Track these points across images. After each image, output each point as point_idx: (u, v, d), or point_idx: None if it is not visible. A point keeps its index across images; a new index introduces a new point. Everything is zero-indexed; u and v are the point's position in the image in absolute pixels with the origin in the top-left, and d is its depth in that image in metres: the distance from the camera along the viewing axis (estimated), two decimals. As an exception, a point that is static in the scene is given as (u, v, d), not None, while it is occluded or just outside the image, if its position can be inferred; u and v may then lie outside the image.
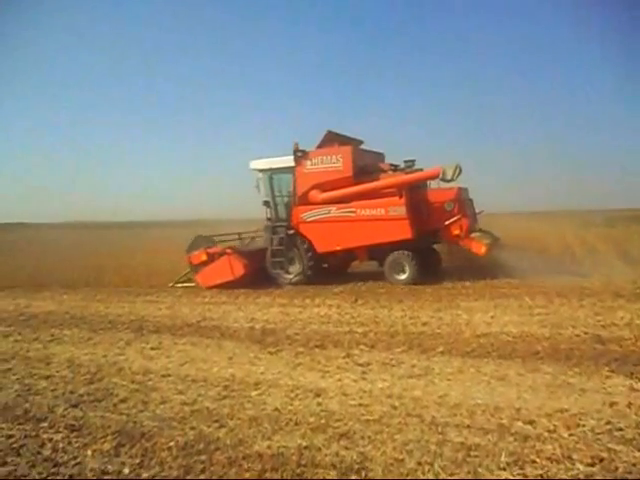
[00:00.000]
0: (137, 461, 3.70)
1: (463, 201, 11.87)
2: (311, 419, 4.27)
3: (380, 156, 13.70)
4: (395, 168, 12.66)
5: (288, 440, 3.90)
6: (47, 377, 5.91)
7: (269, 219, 13.16)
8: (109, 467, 3.63)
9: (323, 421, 4.22)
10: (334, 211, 12.00)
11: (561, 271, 11.14)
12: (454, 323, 7.59)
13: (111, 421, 4.46)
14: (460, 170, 11.20)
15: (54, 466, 3.70)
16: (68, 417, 4.61)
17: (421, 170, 12.19)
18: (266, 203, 13.06)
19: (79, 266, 16.66)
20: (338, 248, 12.20)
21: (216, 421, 4.33)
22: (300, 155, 12.22)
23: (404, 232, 11.31)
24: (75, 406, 4.89)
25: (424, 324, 7.65)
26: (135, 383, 5.50)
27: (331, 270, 13.07)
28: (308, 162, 12.21)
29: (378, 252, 12.14)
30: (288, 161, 12.44)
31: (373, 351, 6.35)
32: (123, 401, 4.96)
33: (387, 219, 11.46)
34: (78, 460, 3.77)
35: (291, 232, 12.51)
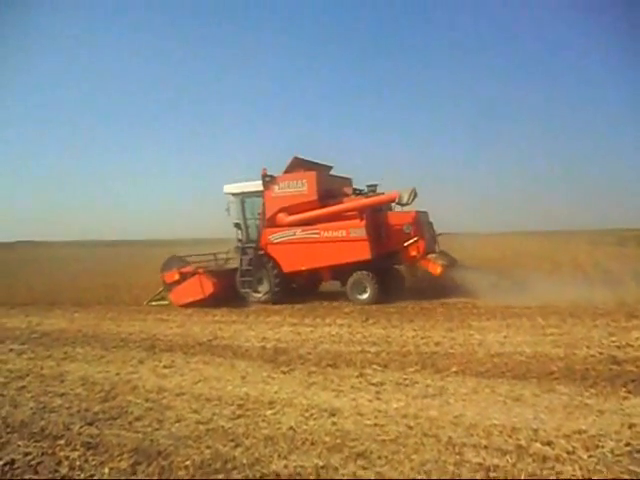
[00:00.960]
0: (154, 478, 3.70)
1: (421, 224, 12.45)
2: (327, 438, 4.26)
3: (346, 180, 14.35)
4: (359, 192, 13.23)
5: (304, 460, 3.89)
6: (62, 395, 5.93)
7: (240, 240, 13.82)
8: (125, 486, 3.64)
9: (339, 441, 4.21)
10: (299, 233, 12.60)
11: (572, 290, 11.11)
12: (467, 343, 7.56)
13: (127, 439, 4.47)
14: (415, 194, 11.81)
15: (71, 484, 3.71)
16: (84, 435, 4.63)
17: (381, 194, 12.76)
18: (237, 225, 13.79)
19: (89, 284, 16.77)
20: (303, 268, 12.76)
21: (232, 440, 4.33)
22: (268, 180, 12.89)
23: (364, 253, 11.86)
24: (91, 424, 4.90)
25: (437, 344, 7.62)
26: (149, 401, 5.51)
27: (299, 290, 13.50)
28: (276, 186, 12.86)
29: (341, 273, 12.66)
30: (258, 185, 13.07)
31: (386, 371, 6.33)
32: (138, 419, 4.97)
33: (348, 240, 12.03)
34: (95, 478, 3.78)
35: (260, 253, 13.10)
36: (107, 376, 6.68)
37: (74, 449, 4.32)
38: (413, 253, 12.09)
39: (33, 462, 4.11)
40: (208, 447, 4.21)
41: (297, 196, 12.61)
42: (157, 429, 4.70)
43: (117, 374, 6.74)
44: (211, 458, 3.98)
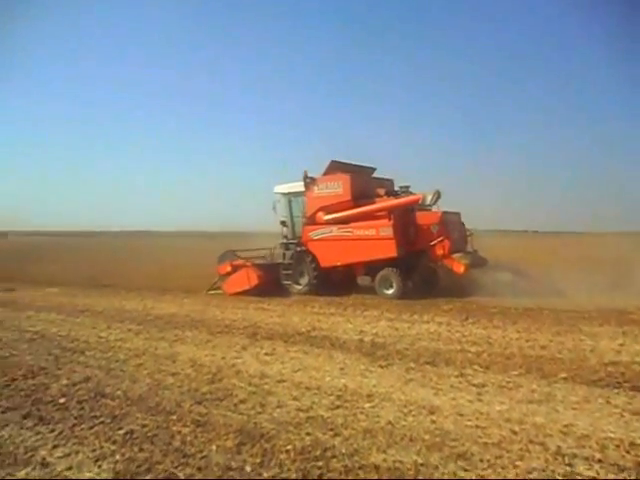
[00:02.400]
0: (258, 460, 3.87)
1: (447, 224, 13.08)
2: (426, 436, 4.21)
3: (387, 182, 15.08)
4: (396, 193, 14.11)
5: (403, 455, 3.87)
6: (173, 374, 6.36)
7: (285, 237, 15.14)
8: (232, 463, 3.83)
9: (438, 439, 4.14)
10: (335, 231, 13.70)
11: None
12: (577, 349, 7.11)
13: (232, 420, 4.71)
14: (439, 196, 12.92)
15: (183, 457, 3.97)
16: (194, 412, 4.94)
17: (411, 194, 13.76)
18: (283, 222, 15.14)
19: (196, 273, 17.79)
20: (338, 263, 13.83)
21: (331, 429, 4.41)
22: (309, 181, 14.14)
23: (391, 250, 12.70)
24: (199, 403, 5.22)
25: (543, 347, 7.24)
26: (252, 386, 5.76)
27: (336, 284, 14.26)
28: (315, 187, 14.10)
29: (372, 268, 13.55)
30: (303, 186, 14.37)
31: (488, 372, 6.12)
32: (242, 402, 5.22)
33: (377, 238, 12.93)
34: (204, 454, 4.02)
35: (300, 249, 14.38)
36: (213, 359, 7.06)
37: (185, 425, 4.63)
38: (439, 252, 12.71)
39: (150, 434, 4.45)
40: (308, 434, 4.32)
41: (333, 196, 13.72)
42: (260, 413, 4.90)
43: (222, 358, 7.11)
44: (311, 445, 4.09)
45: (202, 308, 12.25)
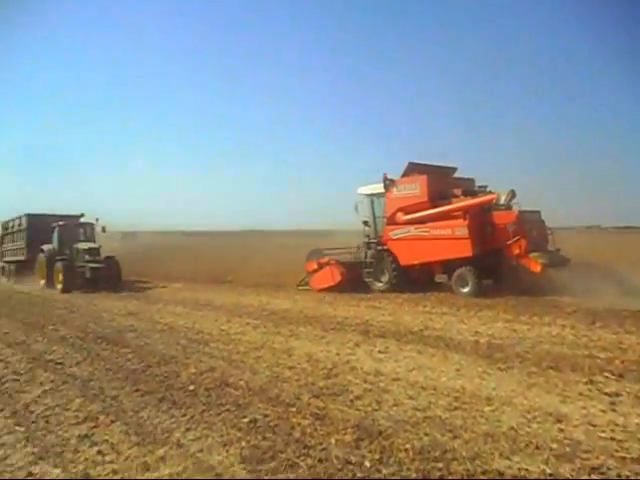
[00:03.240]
0: (376, 457, 3.89)
1: (524, 223, 12.90)
2: (553, 445, 3.97)
3: (466, 181, 15.12)
4: (473, 193, 14.12)
5: (529, 463, 3.69)
6: (290, 367, 6.60)
7: (367, 236, 15.69)
8: (352, 458, 3.89)
9: (568, 449, 3.89)
10: (413, 230, 14.06)
11: None
12: None
13: (350, 415, 4.79)
14: (513, 196, 13.22)
15: (304, 447, 4.11)
16: (312, 406, 5.08)
17: (491, 193, 13.85)
18: (365, 222, 15.73)
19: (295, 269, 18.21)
20: (416, 262, 14.16)
21: (450, 431, 4.32)
22: (388, 183, 14.66)
23: (466, 250, 12.84)
24: (317, 397, 5.36)
25: (687, 357, 6.52)
26: (367, 383, 5.80)
27: (415, 282, 14.47)
28: (394, 189, 14.62)
29: (449, 267, 13.69)
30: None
31: (622, 381, 5.63)
32: (358, 398, 5.28)
33: (453, 238, 13.11)
34: (324, 446, 4.13)
35: (381, 248, 14.91)
36: (328, 355, 7.22)
37: (304, 417, 4.78)
38: (515, 251, 12.55)
39: (271, 424, 4.65)
40: (426, 434, 4.27)
41: (411, 197, 14.18)
42: (376, 410, 4.93)
43: (337, 354, 7.24)
44: (430, 445, 4.03)
45: (315, 305, 12.57)
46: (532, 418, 4.57)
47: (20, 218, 23.26)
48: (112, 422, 4.85)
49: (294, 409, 5.01)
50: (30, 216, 22.44)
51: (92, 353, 7.80)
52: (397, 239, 14.48)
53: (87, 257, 18.26)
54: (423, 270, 14.53)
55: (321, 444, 4.17)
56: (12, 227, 24.39)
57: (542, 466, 3.63)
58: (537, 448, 3.94)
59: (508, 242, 12.62)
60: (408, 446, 4.03)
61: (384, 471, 3.67)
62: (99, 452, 4.19)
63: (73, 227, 20.57)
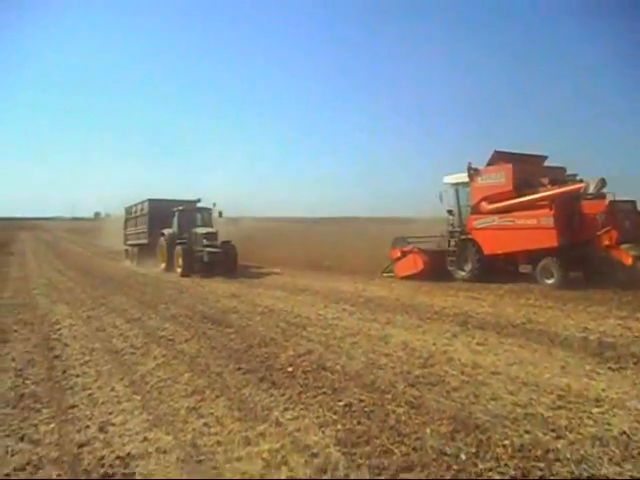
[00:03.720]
0: (473, 450, 3.82)
1: (616, 213, 12.37)
2: (673, 455, 3.66)
3: (556, 170, 14.67)
4: (562, 182, 13.69)
5: (643, 471, 3.44)
6: (386, 355, 6.62)
7: (451, 225, 15.68)
8: (447, 449, 3.85)
9: (690, 461, 3.57)
10: (497, 220, 13.89)
11: None
12: None
13: (446, 406, 4.73)
14: (603, 184, 12.45)
15: (399, 435, 4.13)
16: (407, 394, 5.08)
17: (580, 182, 13.30)
18: (450, 212, 15.72)
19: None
20: (500, 252, 13.95)
21: (552, 430, 4.13)
22: (473, 172, 14.56)
23: (552, 240, 12.52)
24: (412, 385, 5.35)
25: None
26: (465, 375, 5.68)
27: (498, 271, 14.30)
28: (479, 178, 14.51)
29: (533, 257, 13.30)
30: None
31: None
32: (455, 390, 5.19)
33: (538, 228, 12.81)
34: (419, 435, 4.12)
35: (465, 237, 14.88)
36: (424, 345, 7.14)
37: (399, 405, 4.79)
38: (606, 242, 12.14)
39: (367, 409, 4.72)
40: (527, 432, 4.11)
41: (496, 186, 14.02)
42: (473, 403, 4.82)
43: (433, 344, 7.14)
44: (531, 444, 3.88)
45: (411, 293, 12.47)
46: (647, 423, 4.24)
47: (142, 203, 23.86)
48: (217, 397, 5.18)
49: (389, 396, 5.03)
50: (152, 201, 22.83)
51: (199, 331, 8.32)
52: (481, 228, 14.40)
53: (205, 241, 18.42)
54: (507, 260, 14.30)
55: (416, 433, 4.17)
56: (135, 212, 25.11)
57: (657, 476, 3.37)
58: (652, 456, 3.66)
59: (598, 233, 12.23)
60: (507, 442, 3.92)
61: (480, 466, 3.60)
62: (205, 424, 4.50)
63: (192, 212, 20.90)
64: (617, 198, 12.76)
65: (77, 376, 6.01)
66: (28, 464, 3.84)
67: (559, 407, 4.66)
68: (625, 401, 4.77)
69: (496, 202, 14.02)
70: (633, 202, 13.20)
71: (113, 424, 4.56)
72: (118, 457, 3.90)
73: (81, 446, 4.11)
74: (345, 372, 5.87)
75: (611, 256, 12.21)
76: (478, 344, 7.11)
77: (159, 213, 21.48)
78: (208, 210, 21.13)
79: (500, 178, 13.97)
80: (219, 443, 4.10)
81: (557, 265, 12.63)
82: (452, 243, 15.36)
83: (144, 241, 22.75)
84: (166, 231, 20.21)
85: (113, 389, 5.52)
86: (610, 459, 3.63)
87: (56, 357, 6.92)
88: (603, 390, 5.09)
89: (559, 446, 3.84)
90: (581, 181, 13.39)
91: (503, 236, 13.66)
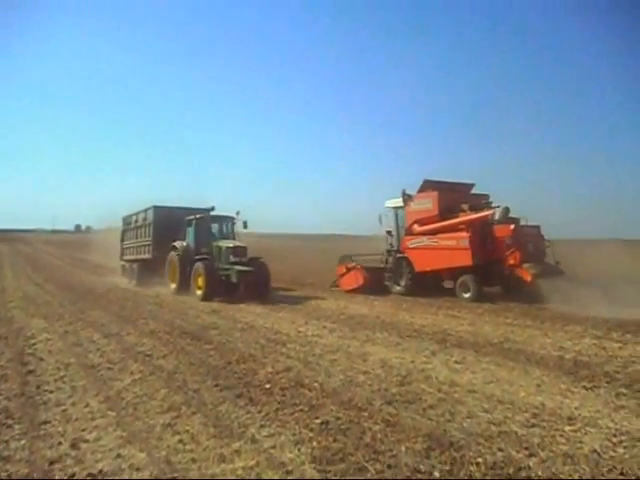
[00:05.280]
0: (447, 468, 3.85)
1: (520, 236, 14.30)
2: (640, 473, 3.73)
3: (481, 197, 16.53)
4: (479, 208, 15.38)
5: (612, 489, 3.49)
6: (364, 372, 6.63)
7: (390, 244, 17.51)
8: (421, 467, 3.88)
9: (659, 479, 3.64)
10: (426, 240, 15.69)
11: None
12: None
13: (421, 424, 4.75)
14: (507, 212, 14.45)
15: (374, 452, 4.14)
16: (384, 412, 5.09)
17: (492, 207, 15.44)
18: (389, 232, 17.60)
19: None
20: (428, 269, 15.68)
21: (526, 448, 4.18)
22: (406, 197, 16.59)
23: (467, 259, 14.33)
24: (389, 403, 5.37)
25: None
26: (441, 392, 5.72)
27: (427, 286, 16.01)
28: (412, 203, 16.50)
29: (455, 274, 15.16)
30: None
31: None
32: (431, 407, 5.22)
33: (457, 248, 14.63)
34: (394, 452, 4.13)
35: (400, 255, 16.65)
36: (402, 362, 7.18)
37: (375, 423, 4.80)
38: (511, 261, 13.95)
39: (343, 427, 4.72)
40: (500, 450, 4.16)
41: (425, 211, 15.96)
42: (449, 420, 4.86)
43: (412, 362, 7.18)
44: (503, 461, 3.92)
45: (392, 311, 12.53)
46: (618, 442, 4.31)
47: (145, 211, 19.94)
48: (193, 414, 5.13)
49: (366, 414, 5.04)
50: (157, 208, 19.07)
51: (177, 347, 8.25)
52: (413, 248, 16.13)
53: (232, 258, 15.28)
54: (434, 276, 16.05)
55: (391, 450, 4.19)
56: (135, 222, 21.13)
57: (626, 493, 3.43)
58: (622, 474, 3.73)
59: (506, 253, 14.03)
60: (480, 460, 3.95)
61: (452, 483, 3.63)
62: (180, 441, 4.45)
63: (212, 221, 17.44)
64: (529, 223, 15.09)
65: (51, 392, 5.90)
66: (-3, 481, 3.76)
67: (533, 425, 4.72)
68: (597, 419, 4.85)
69: (425, 225, 15.91)
70: (537, 227, 15.35)
71: (86, 440, 4.49)
72: (90, 474, 3.84)
73: (52, 463, 4.04)
74: (323, 389, 5.86)
75: (515, 274, 14.01)
76: (456, 362, 7.17)
77: (165, 223, 18.31)
78: (231, 219, 17.65)
79: (428, 204, 15.92)
80: (194, 460, 4.06)
81: (473, 281, 14.45)
82: (390, 261, 17.10)
83: (146, 256, 19.36)
84: (178, 244, 16.98)
85: (87, 405, 5.44)
86: (580, 476, 3.69)
87: (30, 372, 6.79)
88: (576, 408, 5.17)
89: (531, 464, 3.89)
90: (492, 207, 15.42)
91: (430, 255, 15.47)
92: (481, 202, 16.08)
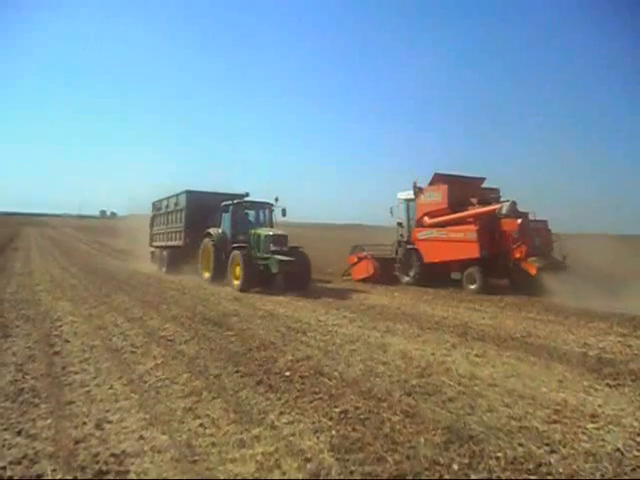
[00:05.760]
0: (466, 461, 3.83)
1: (527, 230, 14.54)
2: (664, 473, 3.67)
3: (490, 191, 16.77)
4: (488, 202, 15.60)
5: (634, 488, 3.44)
6: (384, 363, 6.63)
7: (401, 235, 17.97)
8: (440, 459, 3.86)
9: (682, 479, 3.57)
10: (435, 233, 16.10)
11: None
12: None
13: (441, 416, 4.74)
14: (514, 206, 14.56)
15: (392, 443, 4.14)
16: (403, 403, 5.09)
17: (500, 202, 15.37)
18: (399, 224, 18.09)
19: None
20: (437, 260, 16.01)
21: (546, 444, 4.13)
22: (417, 190, 16.92)
23: (474, 252, 14.68)
24: (409, 394, 5.36)
25: None
26: (461, 385, 5.69)
27: (436, 278, 16.18)
28: (422, 195, 16.87)
29: (462, 266, 15.38)
30: None
31: None
32: (451, 400, 5.20)
33: (464, 241, 14.98)
34: (412, 444, 4.13)
35: (410, 246, 17.07)
36: (423, 354, 7.16)
37: (395, 413, 4.80)
38: (517, 255, 14.21)
39: (362, 416, 4.73)
40: (520, 445, 4.12)
41: (435, 204, 16.31)
42: (469, 414, 4.83)
43: (432, 354, 7.16)
44: (524, 457, 3.89)
45: (413, 303, 12.51)
46: (643, 441, 4.24)
47: (177, 196, 19.23)
48: (214, 399, 5.20)
49: (385, 404, 5.05)
50: (190, 193, 18.35)
51: (199, 333, 8.35)
52: (423, 239, 16.55)
53: (272, 247, 14.40)
54: (442, 268, 16.16)
55: (410, 441, 4.18)
56: (166, 207, 20.45)
57: (649, 493, 3.38)
58: (645, 474, 3.66)
59: (512, 247, 14.32)
60: (500, 454, 3.92)
61: (472, 477, 3.61)
62: (201, 425, 4.52)
63: (250, 208, 16.95)
64: (537, 217, 15.25)
65: (76, 373, 6.04)
66: (24, 458, 3.86)
67: (554, 421, 4.66)
68: (621, 418, 4.78)
69: (435, 217, 16.26)
70: (545, 221, 15.54)
71: (110, 422, 4.59)
72: (113, 454, 3.92)
73: (77, 442, 4.13)
74: (342, 379, 5.88)
75: (521, 267, 14.20)
76: (477, 355, 7.12)
77: (198, 208, 17.62)
78: (269, 206, 16.86)
79: (438, 197, 16.25)
80: (214, 444, 4.12)
81: (479, 273, 14.78)
82: (400, 251, 17.47)
83: (178, 242, 18.71)
84: (213, 231, 16.24)
85: (111, 387, 5.55)
86: (602, 475, 3.63)
87: (56, 353, 6.96)
88: (599, 406, 5.09)
89: (552, 460, 3.85)
90: (500, 202, 15.46)
91: (439, 247, 15.85)
92: (490, 196, 16.30)
